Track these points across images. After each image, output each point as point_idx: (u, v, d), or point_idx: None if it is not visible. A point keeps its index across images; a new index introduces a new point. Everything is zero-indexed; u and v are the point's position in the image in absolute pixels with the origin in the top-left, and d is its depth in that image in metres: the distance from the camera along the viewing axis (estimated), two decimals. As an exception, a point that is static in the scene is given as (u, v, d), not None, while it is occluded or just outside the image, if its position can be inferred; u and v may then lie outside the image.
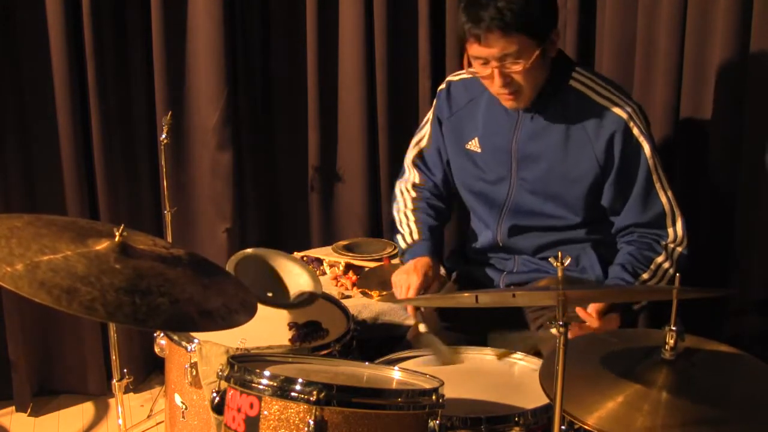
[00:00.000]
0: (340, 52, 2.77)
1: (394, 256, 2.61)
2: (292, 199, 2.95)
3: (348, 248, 2.68)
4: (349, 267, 2.55)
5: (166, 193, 2.57)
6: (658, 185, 1.95)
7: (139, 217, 2.82)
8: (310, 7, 2.71)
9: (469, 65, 1.92)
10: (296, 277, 2.13)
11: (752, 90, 2.18)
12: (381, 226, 2.89)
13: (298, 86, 2.82)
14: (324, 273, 2.57)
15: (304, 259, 2.60)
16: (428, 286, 2.01)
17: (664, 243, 1.97)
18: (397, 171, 2.83)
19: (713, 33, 2.21)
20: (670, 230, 1.97)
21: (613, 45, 2.43)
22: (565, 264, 1.39)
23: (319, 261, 2.60)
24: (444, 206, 2.22)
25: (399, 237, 2.17)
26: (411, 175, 2.24)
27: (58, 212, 2.65)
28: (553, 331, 1.78)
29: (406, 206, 2.21)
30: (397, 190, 2.27)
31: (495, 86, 1.90)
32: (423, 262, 2.04)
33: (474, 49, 1.86)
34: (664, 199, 1.96)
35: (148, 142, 2.78)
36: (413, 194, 2.22)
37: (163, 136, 2.46)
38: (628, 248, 1.99)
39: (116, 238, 1.59)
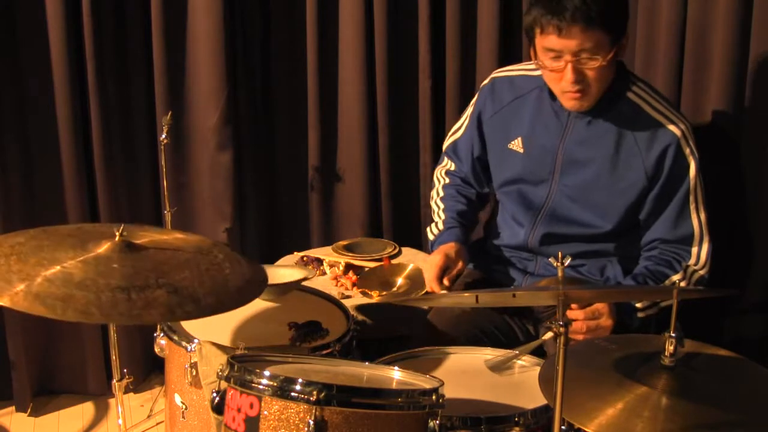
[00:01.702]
0: (340, 52, 2.77)
1: (394, 256, 2.61)
2: (292, 199, 2.95)
3: (348, 248, 2.69)
4: (349, 267, 2.55)
5: (166, 193, 2.56)
6: (692, 206, 1.94)
7: (139, 217, 2.81)
8: (310, 7, 2.71)
9: (535, 58, 1.90)
10: (288, 278, 2.14)
11: (752, 90, 2.18)
12: (381, 226, 2.89)
13: (298, 86, 2.82)
14: (324, 273, 2.57)
15: (304, 259, 2.60)
16: (450, 266, 2.00)
17: (684, 264, 1.96)
18: (397, 171, 2.86)
19: (713, 33, 2.21)
20: (694, 250, 1.96)
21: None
22: (566, 264, 1.39)
23: (319, 261, 2.60)
24: (474, 195, 2.22)
25: (429, 228, 2.19)
26: (446, 162, 2.27)
27: (57, 213, 2.65)
28: (547, 336, 1.79)
29: (437, 194, 2.24)
30: (434, 177, 2.30)
31: (564, 82, 1.87)
32: (446, 246, 2.05)
33: (550, 41, 1.82)
34: (695, 222, 1.95)
35: (148, 142, 2.78)
36: (446, 180, 2.25)
37: (163, 136, 2.46)
38: (645, 263, 1.99)
39: (116, 238, 1.60)
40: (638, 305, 1.93)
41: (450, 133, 2.25)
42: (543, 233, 2.05)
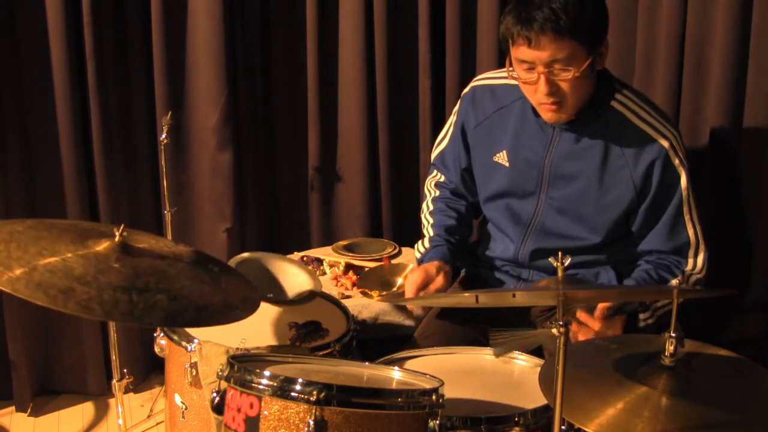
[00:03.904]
0: (340, 52, 2.77)
1: (394, 256, 2.61)
2: (292, 199, 2.95)
3: (348, 248, 2.69)
4: (349, 267, 2.55)
5: (166, 193, 2.57)
6: (687, 217, 1.92)
7: (139, 217, 2.82)
8: (310, 7, 2.71)
9: (511, 69, 1.86)
10: (294, 277, 2.13)
11: (752, 90, 2.18)
12: (381, 226, 2.89)
13: (298, 86, 2.82)
14: (324, 273, 2.57)
15: (304, 259, 2.60)
16: (429, 283, 1.98)
17: (682, 269, 1.95)
18: (397, 171, 2.86)
19: (713, 33, 2.21)
20: (691, 260, 1.95)
21: (613, 45, 2.43)
22: (566, 264, 1.39)
23: (319, 261, 2.60)
24: (464, 207, 2.19)
25: (417, 245, 2.15)
26: (435, 173, 2.24)
27: (57, 213, 2.65)
28: (554, 330, 1.79)
29: (427, 207, 2.21)
30: (425, 188, 2.27)
31: (539, 94, 1.83)
32: (428, 264, 2.03)
33: (521, 52, 1.79)
34: (690, 231, 1.93)
35: (148, 142, 2.78)
36: (436, 192, 2.21)
37: (163, 136, 2.46)
38: (645, 266, 1.97)
39: (116, 238, 1.59)
40: (641, 315, 1.92)
41: (436, 143, 2.22)
42: (533, 248, 2.03)
